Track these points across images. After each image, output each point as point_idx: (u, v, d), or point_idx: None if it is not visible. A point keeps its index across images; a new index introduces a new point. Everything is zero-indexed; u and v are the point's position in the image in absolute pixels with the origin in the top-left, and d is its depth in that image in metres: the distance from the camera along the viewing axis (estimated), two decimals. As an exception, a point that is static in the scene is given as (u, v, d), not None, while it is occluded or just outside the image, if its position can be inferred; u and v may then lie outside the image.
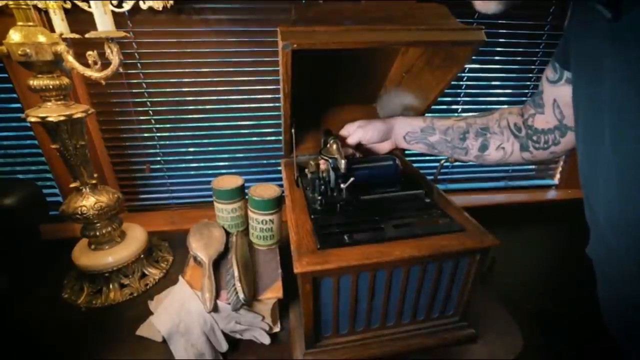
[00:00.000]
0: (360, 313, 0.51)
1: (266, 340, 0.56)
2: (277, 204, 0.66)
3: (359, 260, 0.45)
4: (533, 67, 0.99)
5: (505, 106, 0.61)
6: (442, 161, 0.69)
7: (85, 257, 0.67)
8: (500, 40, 0.94)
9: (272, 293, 0.58)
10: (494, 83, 1.01)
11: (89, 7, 0.59)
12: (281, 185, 0.67)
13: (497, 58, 0.97)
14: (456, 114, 1.02)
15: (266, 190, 0.66)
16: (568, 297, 0.94)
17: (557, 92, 0.48)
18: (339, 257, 0.45)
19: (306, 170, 0.64)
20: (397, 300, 0.52)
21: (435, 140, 0.61)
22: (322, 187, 0.59)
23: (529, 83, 1.01)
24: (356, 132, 0.66)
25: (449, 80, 0.59)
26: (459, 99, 1.00)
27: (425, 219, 0.54)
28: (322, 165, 0.60)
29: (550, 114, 0.51)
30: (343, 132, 0.69)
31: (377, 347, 0.53)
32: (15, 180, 0.82)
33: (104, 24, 0.50)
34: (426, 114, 0.70)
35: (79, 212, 0.63)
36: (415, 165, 0.77)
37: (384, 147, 0.70)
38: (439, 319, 0.56)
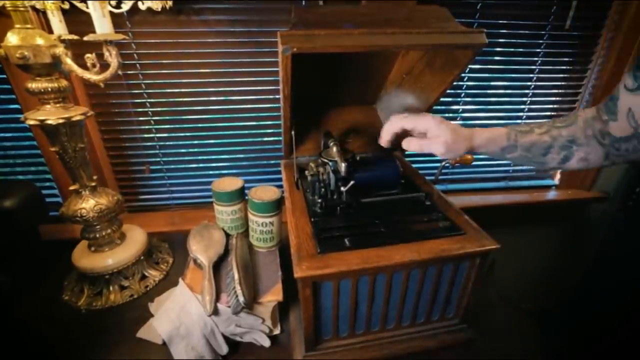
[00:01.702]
0: (360, 316, 0.52)
1: (266, 342, 0.57)
2: (277, 206, 0.66)
3: (359, 265, 0.45)
4: (534, 67, 0.98)
5: (582, 108, 0.56)
6: (444, 163, 0.69)
7: (85, 259, 0.67)
8: (502, 40, 0.94)
9: (272, 296, 0.58)
10: (495, 83, 1.00)
11: (87, 7, 0.59)
12: (282, 187, 0.67)
13: (498, 58, 0.96)
14: (457, 114, 1.02)
15: (266, 193, 0.66)
16: (568, 297, 0.94)
17: (635, 101, 0.46)
18: (339, 261, 0.45)
19: (306, 172, 0.64)
20: (397, 304, 0.52)
21: (513, 157, 0.55)
22: (322, 189, 0.59)
23: (530, 83, 1.01)
24: (439, 146, 0.51)
25: (450, 83, 0.58)
26: (459, 99, 1.00)
27: (426, 222, 0.54)
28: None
29: (623, 122, 0.48)
30: (417, 122, 0.52)
31: (377, 349, 0.54)
32: (14, 182, 0.81)
33: (102, 27, 0.49)
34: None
35: (79, 215, 0.63)
36: (414, 166, 0.77)
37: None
38: (439, 322, 0.56)
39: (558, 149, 0.53)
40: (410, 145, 0.53)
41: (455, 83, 0.96)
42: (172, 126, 0.89)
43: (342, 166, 0.55)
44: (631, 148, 0.50)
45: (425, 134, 0.53)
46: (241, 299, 0.52)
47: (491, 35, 0.92)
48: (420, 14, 0.51)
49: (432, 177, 0.69)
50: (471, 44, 0.47)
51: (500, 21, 0.91)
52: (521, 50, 0.96)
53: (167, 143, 0.91)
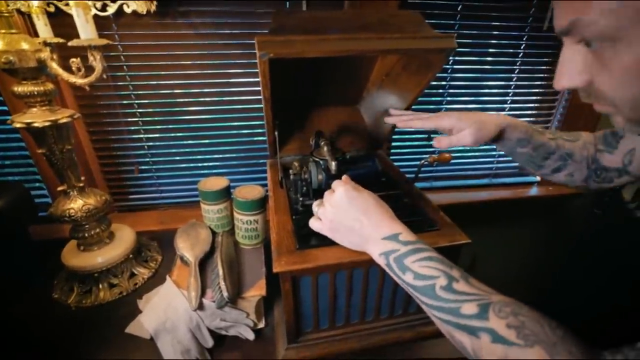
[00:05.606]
0: (339, 309, 0.54)
1: (250, 336, 0.59)
2: (261, 204, 0.68)
3: (336, 260, 0.47)
4: (515, 67, 1.01)
5: (582, 133, 0.57)
6: (422, 161, 0.71)
7: (75, 258, 0.69)
8: (483, 41, 0.96)
9: (256, 291, 0.60)
10: (477, 83, 1.03)
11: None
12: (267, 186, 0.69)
13: (480, 59, 0.99)
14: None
15: (250, 192, 0.68)
16: (550, 293, 0.98)
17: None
18: (316, 256, 0.47)
19: (290, 171, 0.66)
20: (375, 297, 0.54)
21: (521, 152, 0.57)
22: (304, 188, 0.61)
23: (511, 83, 1.04)
24: (466, 137, 0.54)
25: (426, 84, 0.60)
26: (442, 98, 1.02)
27: (403, 218, 0.56)
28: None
29: (619, 157, 0.51)
30: (438, 122, 0.57)
31: (356, 341, 0.56)
32: (3, 183, 0.82)
33: (86, 32, 0.51)
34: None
35: (67, 215, 0.65)
36: (397, 164, 0.79)
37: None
38: (416, 314, 0.59)
39: (557, 157, 0.56)
40: (441, 143, 0.56)
41: (437, 84, 0.99)
42: (160, 127, 0.91)
43: (333, 164, 0.57)
44: (608, 178, 0.53)
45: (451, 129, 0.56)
46: (225, 294, 0.54)
47: (473, 37, 0.95)
48: (396, 19, 0.53)
49: (413, 175, 0.72)
50: (441, 48, 0.49)
51: (481, 22, 0.93)
52: (502, 50, 0.98)
53: (156, 143, 0.92)
